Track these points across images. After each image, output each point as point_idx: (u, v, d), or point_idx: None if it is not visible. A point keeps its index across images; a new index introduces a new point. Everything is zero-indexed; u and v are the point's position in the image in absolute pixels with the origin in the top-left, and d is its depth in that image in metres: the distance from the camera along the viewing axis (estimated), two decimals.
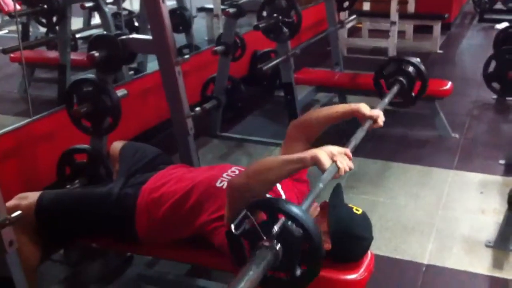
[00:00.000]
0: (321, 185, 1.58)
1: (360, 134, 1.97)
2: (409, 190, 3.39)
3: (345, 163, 1.64)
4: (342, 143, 1.80)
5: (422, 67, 2.76)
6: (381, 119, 2.04)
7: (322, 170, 1.61)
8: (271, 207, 1.49)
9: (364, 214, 1.91)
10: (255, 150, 4.00)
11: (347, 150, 1.69)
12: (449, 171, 3.63)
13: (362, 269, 1.89)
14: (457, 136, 4.16)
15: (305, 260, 1.48)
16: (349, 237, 1.84)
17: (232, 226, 1.49)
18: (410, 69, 2.73)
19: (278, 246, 1.43)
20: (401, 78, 2.73)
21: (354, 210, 1.87)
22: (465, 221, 3.04)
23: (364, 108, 2.02)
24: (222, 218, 1.90)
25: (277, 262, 1.43)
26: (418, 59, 2.81)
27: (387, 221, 3.03)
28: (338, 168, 1.62)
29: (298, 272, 1.48)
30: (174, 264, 2.50)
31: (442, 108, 4.19)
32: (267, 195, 1.82)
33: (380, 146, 4.02)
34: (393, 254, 2.74)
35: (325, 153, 1.63)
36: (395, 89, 2.67)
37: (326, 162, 1.61)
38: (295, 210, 1.44)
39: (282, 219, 1.45)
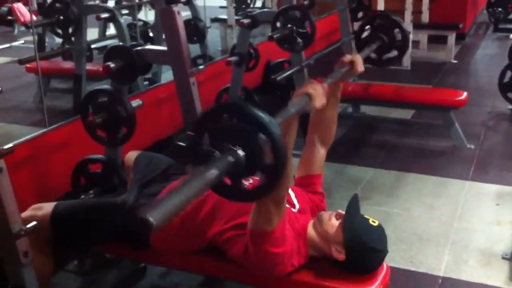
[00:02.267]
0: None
1: (336, 74, 2.14)
2: (424, 201, 3.36)
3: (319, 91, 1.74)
4: None
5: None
6: (359, 66, 2.25)
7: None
8: (241, 112, 1.40)
9: (380, 226, 1.90)
10: None
11: (324, 84, 1.83)
12: (465, 182, 3.60)
13: (377, 281, 1.88)
14: (472, 146, 4.13)
15: (266, 172, 1.40)
16: (364, 249, 1.83)
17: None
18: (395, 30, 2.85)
19: (242, 153, 1.35)
20: (382, 36, 2.83)
21: (370, 222, 1.87)
22: (481, 233, 3.00)
23: (346, 57, 2.23)
24: (237, 227, 1.91)
25: (237, 169, 1.36)
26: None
27: (402, 232, 3.00)
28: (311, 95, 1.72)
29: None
30: (187, 275, 2.50)
31: (457, 118, 4.16)
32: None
33: (394, 157, 4.00)
34: (408, 266, 2.72)
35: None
36: (374, 45, 2.83)
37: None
38: (265, 118, 1.37)
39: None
